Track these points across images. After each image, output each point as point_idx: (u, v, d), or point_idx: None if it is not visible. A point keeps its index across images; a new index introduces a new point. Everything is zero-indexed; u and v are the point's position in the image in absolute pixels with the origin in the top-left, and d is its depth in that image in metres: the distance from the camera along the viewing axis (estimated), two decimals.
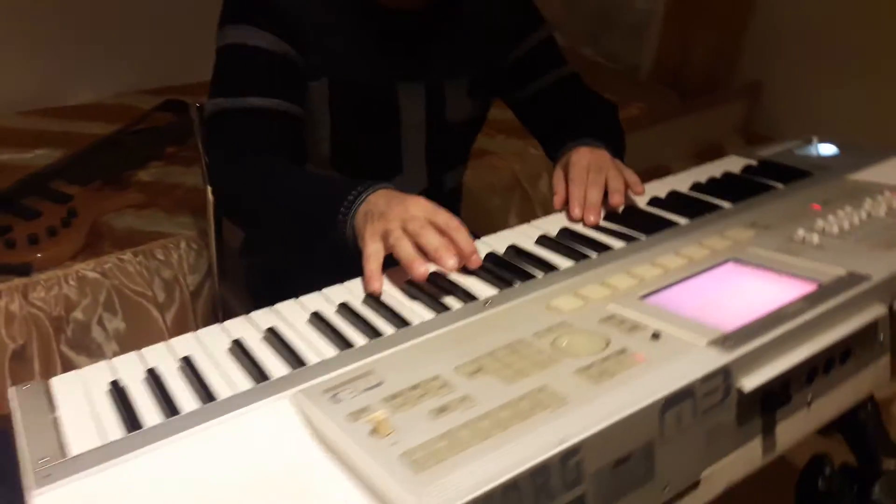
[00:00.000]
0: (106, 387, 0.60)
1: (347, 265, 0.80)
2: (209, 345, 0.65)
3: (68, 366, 1.47)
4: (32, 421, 0.56)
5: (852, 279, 0.63)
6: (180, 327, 1.60)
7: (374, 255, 0.74)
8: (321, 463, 0.50)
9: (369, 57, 1.05)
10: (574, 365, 0.54)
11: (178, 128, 2.01)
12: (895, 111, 1.93)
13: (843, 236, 0.72)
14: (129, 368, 0.63)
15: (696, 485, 0.54)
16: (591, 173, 0.90)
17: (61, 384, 0.61)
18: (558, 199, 0.91)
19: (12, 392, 0.60)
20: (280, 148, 1.01)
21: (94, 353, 1.50)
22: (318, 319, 0.68)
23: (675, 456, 0.52)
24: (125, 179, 1.80)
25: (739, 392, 0.54)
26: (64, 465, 0.50)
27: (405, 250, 0.72)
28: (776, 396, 0.56)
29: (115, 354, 0.64)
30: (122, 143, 1.87)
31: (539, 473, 0.45)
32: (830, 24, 2.36)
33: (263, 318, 0.70)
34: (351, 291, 0.73)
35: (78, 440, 0.53)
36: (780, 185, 0.89)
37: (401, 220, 0.75)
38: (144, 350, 0.66)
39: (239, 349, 0.64)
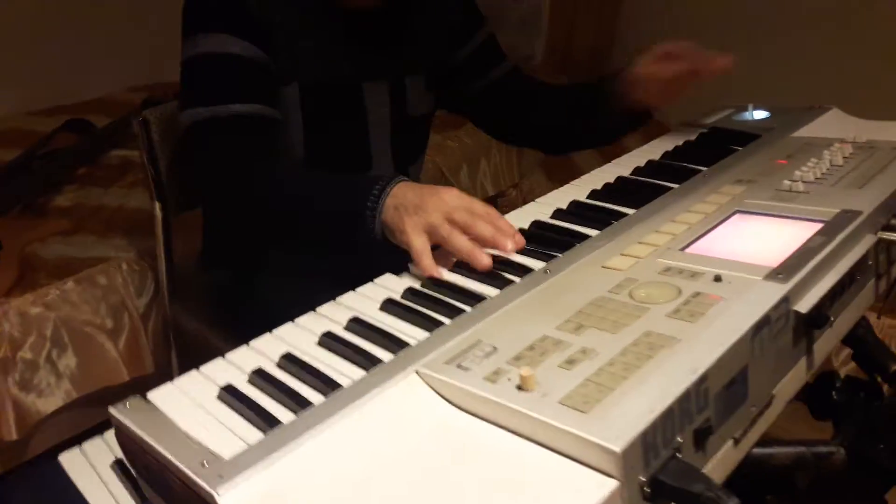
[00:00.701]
0: (214, 391, 0.61)
1: (343, 270, 0.82)
2: (296, 343, 0.67)
3: (21, 409, 1.38)
4: (159, 433, 0.56)
5: (849, 215, 0.74)
6: (133, 354, 1.55)
7: (423, 249, 0.77)
8: (473, 425, 0.54)
9: (336, 58, 1.09)
10: (662, 311, 0.62)
11: (85, 148, 1.92)
12: (773, 82, 2.14)
13: (820, 182, 0.84)
14: (227, 373, 0.64)
15: (769, 403, 0.63)
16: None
17: (162, 397, 0.61)
18: None
19: (115, 410, 0.60)
20: (268, 150, 1.02)
21: (46, 392, 1.42)
22: (392, 305, 0.71)
23: (758, 377, 0.60)
24: (43, 206, 1.70)
25: (797, 315, 0.63)
26: (229, 464, 0.51)
27: (461, 242, 0.76)
28: (819, 317, 0.65)
29: (69, 389, 0.64)
30: (30, 168, 1.76)
31: (684, 399, 0.52)
32: (696, 6, 2.59)
33: (333, 311, 0.72)
34: (392, 288, 0.76)
35: (219, 441, 0.55)
36: (738, 148, 1.01)
37: (443, 213, 0.78)
38: (230, 355, 0.66)
39: (332, 340, 0.66)
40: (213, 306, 1.40)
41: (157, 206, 1.38)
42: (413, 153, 1.28)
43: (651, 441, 0.49)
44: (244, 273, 1.27)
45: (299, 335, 0.69)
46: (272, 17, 1.03)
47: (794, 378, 0.67)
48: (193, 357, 1.80)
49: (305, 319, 0.71)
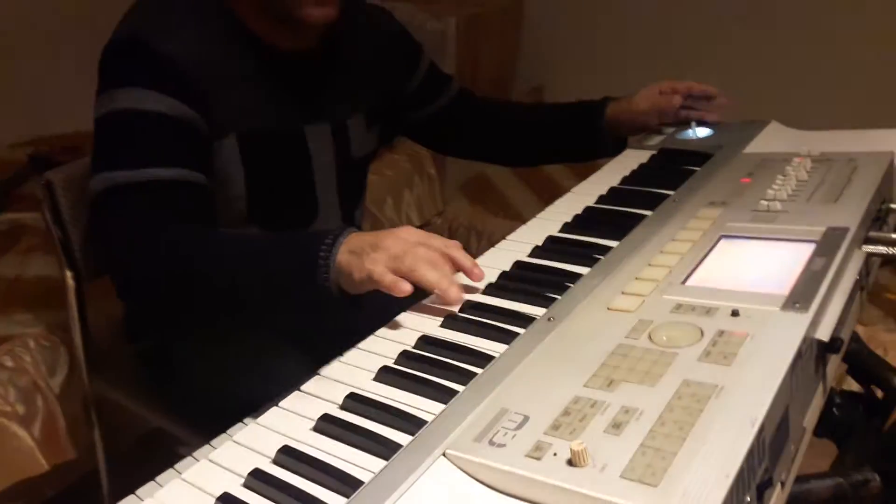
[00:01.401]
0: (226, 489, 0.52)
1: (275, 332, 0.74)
2: (290, 432, 0.59)
3: None
4: None
5: (838, 233, 0.74)
6: (51, 440, 1.39)
7: (397, 282, 0.71)
8: None
9: (274, 104, 1.02)
10: (691, 355, 0.58)
11: None
12: None
13: (794, 200, 0.84)
14: (219, 478, 0.55)
15: (802, 436, 0.61)
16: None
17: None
18: None
19: None
20: (194, 220, 0.93)
21: None
22: (389, 373, 0.64)
23: (795, 413, 0.58)
24: None
25: (819, 343, 0.61)
26: None
27: (429, 273, 0.71)
28: (836, 341, 0.64)
29: None
30: None
31: (749, 456, 0.48)
32: (592, 26, 2.66)
33: (321, 388, 0.65)
34: (382, 353, 0.70)
35: None
36: (696, 168, 1.00)
37: (401, 249, 0.73)
38: (214, 456, 0.58)
39: (332, 425, 0.59)
40: (140, 378, 1.29)
41: (69, 274, 1.25)
42: (357, 196, 1.23)
43: None
44: (169, 342, 1.17)
45: (291, 421, 0.61)
46: (205, 69, 0.94)
47: (816, 406, 0.65)
48: (121, 436, 1.66)
49: (291, 402, 0.64)
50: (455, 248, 0.75)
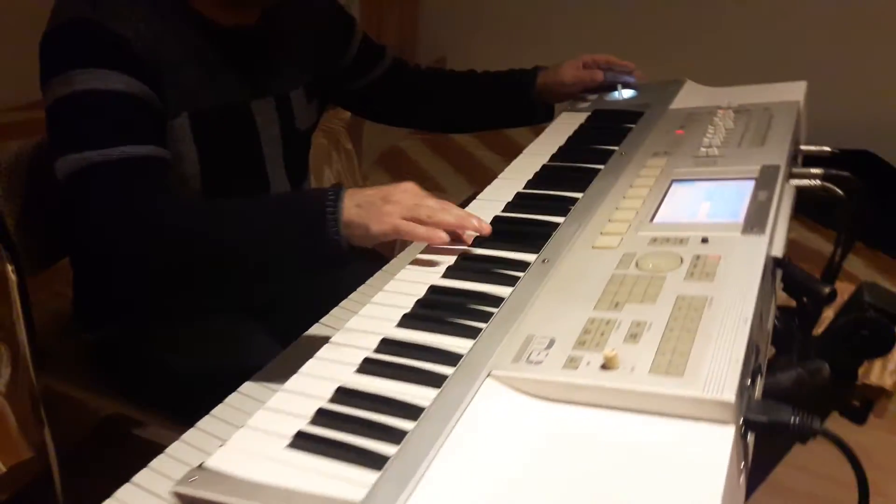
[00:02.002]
0: (281, 443, 0.58)
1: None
2: (338, 376, 0.65)
3: None
4: (265, 497, 0.53)
5: (772, 169, 0.86)
6: (3, 442, 1.36)
7: (430, 231, 0.79)
8: (574, 413, 0.57)
9: (221, 81, 1.05)
10: (678, 277, 0.68)
11: None
12: None
13: (727, 145, 0.96)
14: (278, 422, 0.61)
15: (767, 337, 0.73)
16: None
17: (226, 462, 0.57)
18: None
19: (189, 488, 0.55)
20: (171, 194, 0.96)
21: None
22: (413, 319, 0.71)
23: (764, 316, 0.69)
24: None
25: (774, 259, 0.73)
26: None
27: (448, 217, 0.80)
28: (784, 257, 0.76)
29: None
30: None
31: (749, 346, 0.58)
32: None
33: (351, 338, 0.71)
34: (396, 304, 0.77)
35: (333, 488, 0.52)
36: (632, 125, 1.12)
37: (413, 202, 0.81)
38: (271, 403, 0.63)
39: (377, 366, 0.65)
40: (90, 368, 1.28)
41: (10, 268, 1.23)
42: (302, 170, 1.27)
43: (742, 387, 0.55)
44: (131, 325, 1.18)
45: (335, 369, 0.67)
46: (155, 49, 0.97)
47: (772, 312, 0.77)
48: (71, 431, 1.63)
49: (326, 352, 0.69)
50: (453, 206, 0.83)
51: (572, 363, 0.59)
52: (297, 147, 1.21)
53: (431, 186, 2.44)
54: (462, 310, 0.72)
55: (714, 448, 0.51)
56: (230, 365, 1.11)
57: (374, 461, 0.54)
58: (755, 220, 0.75)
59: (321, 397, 0.63)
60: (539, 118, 1.32)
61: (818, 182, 0.89)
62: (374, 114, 1.40)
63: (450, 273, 0.79)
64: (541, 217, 0.88)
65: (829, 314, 0.87)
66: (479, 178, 2.51)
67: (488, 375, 0.61)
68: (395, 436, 0.57)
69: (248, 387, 0.95)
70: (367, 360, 0.66)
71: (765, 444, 0.63)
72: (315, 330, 1.10)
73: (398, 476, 0.52)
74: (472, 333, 0.67)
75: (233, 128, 1.09)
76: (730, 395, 0.52)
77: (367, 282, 1.20)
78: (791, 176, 0.90)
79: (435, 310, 0.73)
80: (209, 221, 0.86)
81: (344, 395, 0.62)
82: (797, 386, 0.72)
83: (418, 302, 0.74)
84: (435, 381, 0.62)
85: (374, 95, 1.32)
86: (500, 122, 1.39)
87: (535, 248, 0.80)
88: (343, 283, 1.21)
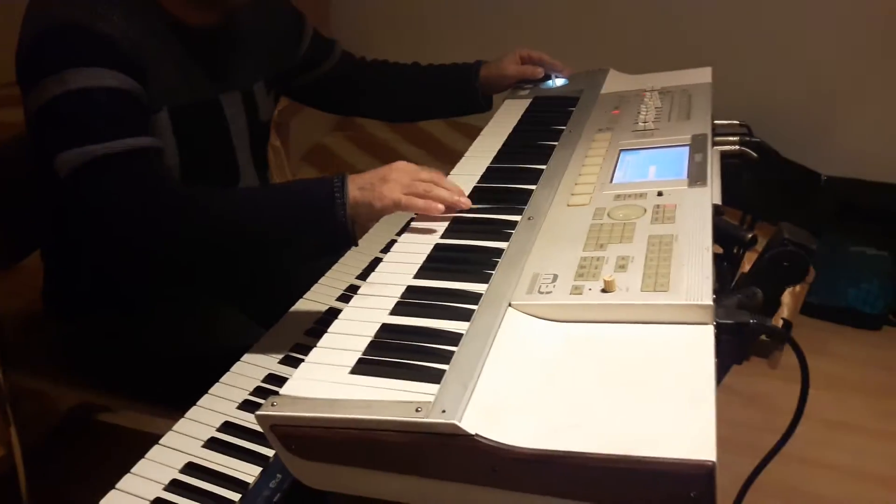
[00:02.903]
0: (344, 371, 0.69)
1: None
2: (381, 318, 0.76)
3: None
4: (345, 408, 0.63)
5: (700, 137, 1.03)
6: None
7: (429, 204, 0.92)
8: (586, 329, 0.70)
9: (194, 77, 1.13)
10: (645, 221, 0.83)
11: None
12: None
13: (659, 120, 1.13)
14: (339, 353, 0.71)
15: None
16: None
17: (301, 388, 0.67)
18: None
19: (273, 410, 0.64)
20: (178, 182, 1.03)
21: None
22: (427, 271, 0.83)
23: None
24: None
25: (715, 206, 0.90)
26: (437, 403, 0.61)
27: (443, 191, 0.93)
28: (721, 206, 0.93)
29: None
30: None
31: (715, 265, 0.74)
32: None
33: (379, 290, 0.82)
34: (406, 260, 0.89)
35: (404, 393, 0.64)
36: (572, 109, 1.27)
37: (409, 179, 0.94)
38: (324, 341, 0.73)
39: (409, 306, 0.77)
40: (67, 361, 1.32)
41: None
42: (265, 159, 1.36)
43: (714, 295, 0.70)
44: (111, 313, 1.23)
45: (370, 314, 0.77)
46: (138, 47, 1.03)
47: None
48: (40, 424, 1.64)
49: (358, 301, 0.80)
50: (442, 178, 0.95)
51: (577, 290, 0.73)
52: (260, 138, 1.29)
53: None
54: (469, 261, 0.84)
55: (701, 342, 0.66)
56: (213, 347, 1.19)
57: (431, 375, 0.66)
58: (697, 176, 0.92)
59: (366, 335, 0.74)
60: (480, 107, 1.45)
61: (736, 147, 1.07)
62: (325, 104, 1.50)
63: (449, 234, 0.91)
64: (515, 185, 1.01)
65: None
66: None
67: (509, 306, 0.73)
68: (442, 356, 0.68)
69: (240, 366, 1.04)
70: (399, 304, 0.78)
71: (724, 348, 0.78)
72: (300, 306, 1.19)
73: (458, 380, 0.64)
74: (483, 278, 0.80)
75: (207, 121, 1.16)
76: (707, 300, 0.68)
77: (341, 260, 1.31)
78: (714, 143, 1.08)
79: (445, 263, 0.85)
80: (234, 207, 0.95)
81: (388, 330, 0.74)
82: (739, 307, 0.88)
83: (429, 257, 0.86)
84: (463, 315, 0.74)
85: (324, 87, 1.42)
86: (445, 111, 1.51)
87: (518, 209, 0.93)
88: (313, 265, 1.31)
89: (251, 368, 1.03)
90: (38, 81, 0.97)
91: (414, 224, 0.95)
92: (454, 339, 0.71)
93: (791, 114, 2.32)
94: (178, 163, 1.12)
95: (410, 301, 0.78)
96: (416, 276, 0.83)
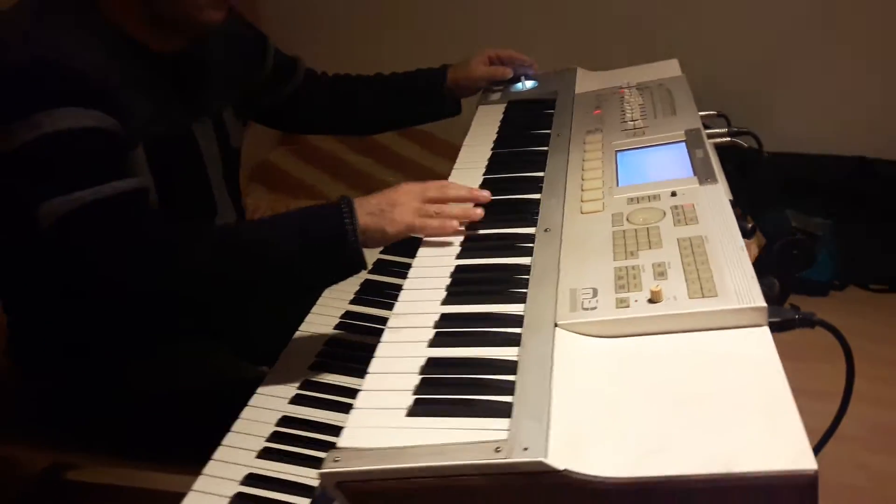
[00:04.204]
0: (400, 413, 0.65)
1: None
2: (415, 353, 0.73)
3: None
4: (418, 456, 0.60)
5: (694, 131, 1.04)
6: None
7: (443, 224, 0.91)
8: (639, 343, 0.69)
9: (165, 108, 1.08)
10: (667, 224, 0.83)
11: None
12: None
13: (644, 118, 1.13)
14: (390, 397, 0.68)
15: None
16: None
17: (360, 439, 0.63)
18: None
19: (338, 466, 0.61)
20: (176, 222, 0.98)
21: None
22: (455, 296, 0.80)
23: None
24: None
25: (730, 201, 0.90)
26: (512, 440, 0.59)
27: (455, 208, 0.92)
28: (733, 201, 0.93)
29: None
30: None
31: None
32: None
33: (407, 319, 0.79)
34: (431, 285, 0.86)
35: (471, 433, 0.61)
36: (551, 111, 1.26)
37: (417, 198, 0.92)
38: (367, 384, 0.70)
39: (452, 337, 0.74)
40: (37, 418, 1.23)
41: None
42: (238, 188, 1.30)
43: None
44: (99, 363, 1.16)
45: (409, 348, 0.74)
46: (108, 79, 0.97)
47: None
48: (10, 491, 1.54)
49: (391, 335, 0.77)
50: (449, 186, 0.94)
51: (623, 303, 0.71)
52: (232, 165, 1.24)
53: (314, 195, 2.47)
54: (496, 280, 0.82)
55: (760, 345, 0.66)
56: (199, 386, 1.14)
57: (498, 410, 0.64)
58: (705, 173, 0.92)
59: (412, 372, 0.71)
60: (450, 112, 1.43)
61: (728, 139, 1.08)
62: (293, 125, 1.46)
63: (466, 253, 0.89)
64: (519, 196, 0.99)
65: None
66: (356, 182, 2.58)
67: (555, 326, 0.72)
68: (501, 388, 0.66)
69: (249, 411, 0.99)
70: (438, 334, 0.75)
71: None
72: (298, 338, 1.15)
73: (530, 413, 0.62)
74: (517, 298, 0.78)
75: (181, 153, 1.11)
76: (761, 301, 0.67)
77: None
78: (710, 136, 1.09)
79: (471, 285, 0.83)
80: (239, 244, 0.90)
81: (435, 365, 0.71)
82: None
83: (453, 281, 0.84)
84: (510, 340, 0.72)
85: (291, 107, 1.37)
86: (414, 118, 1.48)
87: (530, 221, 0.92)
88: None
89: (262, 412, 0.98)
90: (4, 125, 0.90)
91: (425, 244, 0.92)
92: (508, 367, 0.68)
93: (731, 93, 2.39)
94: (156, 199, 1.06)
95: (449, 330, 0.76)
96: (446, 303, 0.81)
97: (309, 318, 1.18)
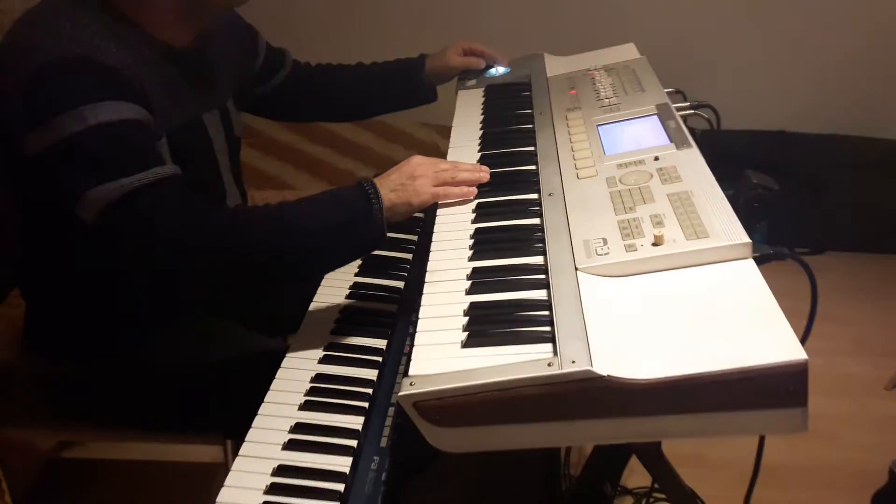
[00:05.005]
0: (456, 346, 0.77)
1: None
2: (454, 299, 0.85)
3: None
4: (480, 374, 0.72)
5: (663, 105, 1.18)
6: None
7: (463, 190, 1.03)
8: (651, 279, 0.82)
9: (182, 99, 1.14)
10: (656, 183, 0.97)
11: None
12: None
13: (616, 96, 1.27)
14: (445, 331, 0.79)
15: None
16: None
17: (425, 366, 0.75)
18: None
19: (413, 390, 0.72)
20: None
21: None
22: (479, 252, 0.92)
23: None
24: None
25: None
26: (562, 356, 0.72)
27: (466, 174, 1.05)
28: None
29: None
30: None
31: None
32: None
33: (442, 275, 0.90)
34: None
35: (522, 354, 0.73)
36: (528, 93, 1.39)
37: (432, 169, 1.03)
38: (421, 325, 0.81)
39: (484, 286, 0.86)
40: (59, 401, 1.29)
41: None
42: (240, 172, 1.38)
43: None
44: (124, 345, 1.23)
45: (449, 297, 0.86)
46: (136, 74, 1.03)
47: None
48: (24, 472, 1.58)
49: (431, 287, 0.88)
50: (457, 162, 1.06)
51: (631, 248, 0.85)
52: (236, 152, 1.32)
53: (278, 185, 2.54)
54: (514, 238, 0.95)
55: (748, 272, 0.80)
56: (215, 358, 1.23)
57: (541, 338, 0.76)
58: (680, 140, 1.06)
59: (458, 315, 0.82)
60: (426, 99, 1.54)
61: (691, 111, 1.23)
62: (280, 114, 1.54)
63: (481, 218, 1.01)
64: (518, 168, 1.12)
65: None
66: (319, 171, 2.66)
67: (576, 270, 0.84)
68: (540, 321, 0.79)
69: (283, 371, 1.08)
70: (474, 284, 0.87)
71: None
72: (314, 309, 1.24)
73: (572, 336, 0.74)
74: (537, 251, 0.91)
75: (195, 142, 1.18)
76: (745, 238, 0.82)
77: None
78: (678, 109, 1.23)
79: (492, 244, 0.95)
80: (278, 223, 0.99)
81: (478, 307, 0.83)
82: None
83: (476, 241, 0.96)
84: (538, 284, 0.85)
85: (279, 97, 1.46)
86: (394, 105, 1.57)
87: (533, 188, 1.04)
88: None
89: (295, 372, 1.08)
90: (45, 120, 0.95)
91: (441, 213, 1.03)
92: (542, 305, 0.81)
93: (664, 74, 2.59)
94: None
95: (482, 280, 0.87)
96: (473, 259, 0.92)
97: (320, 290, 1.27)
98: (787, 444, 1.74)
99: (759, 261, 0.84)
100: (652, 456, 1.04)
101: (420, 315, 0.84)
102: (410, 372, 0.75)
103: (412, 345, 0.81)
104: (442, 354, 0.77)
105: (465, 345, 0.78)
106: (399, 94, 1.53)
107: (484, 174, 1.06)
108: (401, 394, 0.72)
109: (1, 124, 1.05)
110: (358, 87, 1.52)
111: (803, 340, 0.87)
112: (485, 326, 0.80)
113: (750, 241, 0.82)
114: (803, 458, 1.79)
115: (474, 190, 1.03)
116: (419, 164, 1.03)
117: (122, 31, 1.04)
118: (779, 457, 1.69)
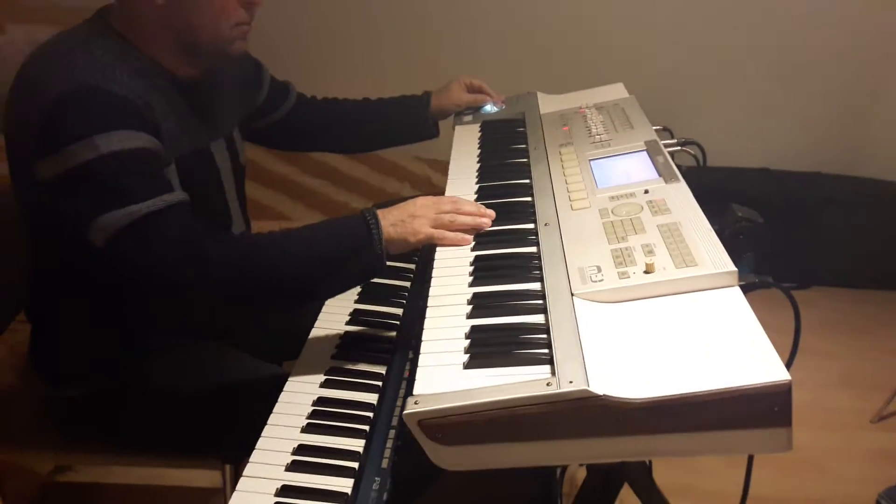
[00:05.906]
0: (458, 367, 0.81)
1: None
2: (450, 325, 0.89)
3: None
4: (482, 394, 0.76)
5: (652, 142, 1.24)
6: None
7: (458, 235, 1.05)
8: (640, 305, 0.87)
9: (191, 128, 1.19)
10: (647, 215, 1.01)
11: None
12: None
13: (607, 132, 1.32)
14: (445, 353, 0.83)
15: None
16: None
17: (429, 385, 0.78)
18: None
19: (418, 408, 0.75)
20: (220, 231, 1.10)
21: None
22: (479, 277, 0.96)
23: None
24: None
25: None
26: (561, 376, 0.75)
27: (466, 218, 1.07)
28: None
29: None
30: None
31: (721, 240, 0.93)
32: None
33: (443, 300, 0.94)
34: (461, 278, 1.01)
35: (524, 374, 0.77)
36: (522, 129, 1.44)
37: (433, 210, 1.07)
38: (426, 346, 0.85)
39: (483, 310, 0.90)
40: (55, 425, 1.31)
41: None
42: (245, 199, 1.42)
43: None
44: (123, 372, 1.25)
45: (450, 321, 0.90)
46: (146, 104, 1.07)
47: None
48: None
49: (433, 312, 0.92)
50: (461, 201, 1.09)
51: (624, 275, 0.89)
52: (241, 181, 1.36)
53: (275, 215, 2.58)
54: (512, 265, 0.99)
55: (734, 299, 0.85)
56: (232, 381, 1.25)
57: (540, 359, 0.80)
58: (668, 174, 1.12)
59: (459, 337, 0.86)
60: (430, 135, 1.59)
61: (678, 148, 1.29)
62: (283, 144, 1.58)
63: (480, 246, 1.05)
64: (514, 199, 1.17)
65: None
66: (315, 202, 2.71)
67: (572, 295, 0.89)
68: (538, 344, 0.83)
69: (286, 395, 1.11)
70: (475, 308, 0.91)
71: None
72: (315, 335, 1.27)
73: (569, 358, 0.78)
74: (535, 278, 0.95)
75: (203, 170, 1.22)
76: (732, 267, 0.87)
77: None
78: (666, 146, 1.29)
79: (491, 270, 0.99)
80: (281, 251, 1.02)
81: (479, 330, 0.87)
82: None
83: (476, 268, 1.00)
84: (536, 309, 0.89)
85: (283, 129, 1.50)
86: (397, 140, 1.62)
87: (529, 218, 1.09)
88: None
89: (297, 395, 1.11)
90: (59, 148, 0.99)
91: (439, 250, 1.07)
92: (540, 328, 0.85)
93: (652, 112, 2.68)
94: None
95: (482, 305, 0.91)
96: (473, 285, 0.97)
97: (321, 316, 1.31)
98: (775, 477, 1.78)
99: (745, 289, 0.89)
100: (644, 484, 1.07)
101: (424, 338, 0.87)
102: (415, 391, 0.78)
103: (413, 369, 0.84)
104: (445, 375, 0.80)
105: (468, 366, 0.81)
106: (405, 130, 1.58)
107: (486, 221, 1.09)
108: (406, 412, 0.76)
109: (15, 153, 1.10)
110: (364, 123, 1.56)
111: (788, 366, 0.92)
112: (486, 349, 0.84)
113: (736, 269, 0.86)
114: (791, 490, 1.82)
115: (469, 238, 1.06)
116: (422, 206, 1.07)
117: (133, 61, 1.09)
118: (767, 489, 1.72)
